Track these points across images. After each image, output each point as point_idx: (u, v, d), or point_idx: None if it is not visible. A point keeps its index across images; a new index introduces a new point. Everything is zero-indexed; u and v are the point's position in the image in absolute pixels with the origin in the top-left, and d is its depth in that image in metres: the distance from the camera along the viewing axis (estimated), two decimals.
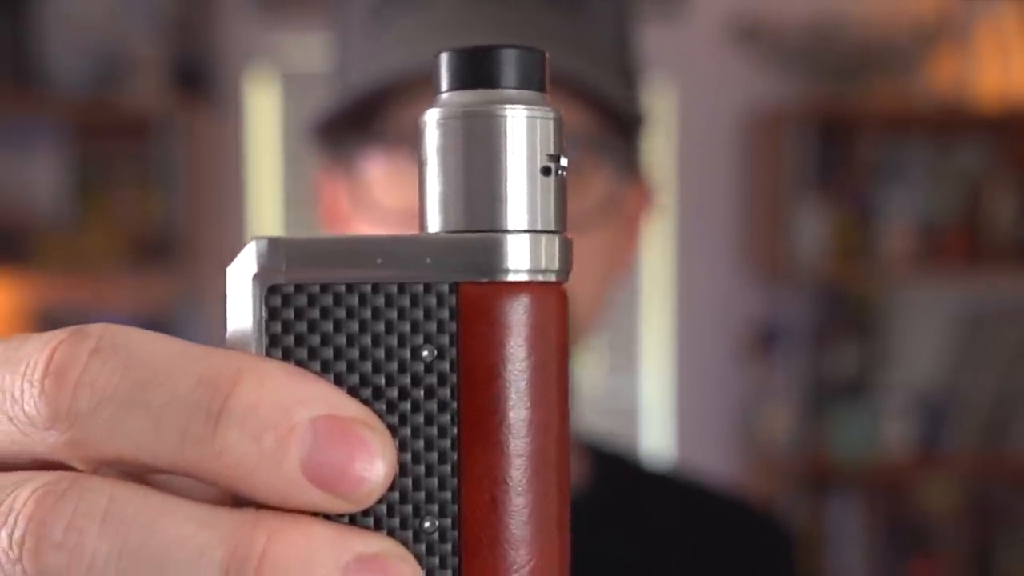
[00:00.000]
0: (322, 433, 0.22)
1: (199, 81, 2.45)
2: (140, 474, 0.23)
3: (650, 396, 2.63)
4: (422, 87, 0.63)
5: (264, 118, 2.53)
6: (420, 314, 0.24)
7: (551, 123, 0.25)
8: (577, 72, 0.65)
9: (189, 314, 2.37)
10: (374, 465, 0.22)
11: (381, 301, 0.24)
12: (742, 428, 2.58)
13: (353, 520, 0.23)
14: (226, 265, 0.24)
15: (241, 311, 0.24)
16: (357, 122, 0.68)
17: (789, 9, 2.51)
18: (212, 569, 0.22)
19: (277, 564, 0.22)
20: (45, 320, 2.45)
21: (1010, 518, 2.55)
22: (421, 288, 0.24)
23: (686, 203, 2.55)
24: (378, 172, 0.67)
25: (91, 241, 2.37)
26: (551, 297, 0.24)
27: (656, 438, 2.61)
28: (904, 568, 2.52)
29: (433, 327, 0.24)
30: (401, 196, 0.65)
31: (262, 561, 0.22)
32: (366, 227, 0.68)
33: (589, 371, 2.49)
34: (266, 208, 2.53)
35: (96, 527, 0.22)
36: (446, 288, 0.24)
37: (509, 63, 0.24)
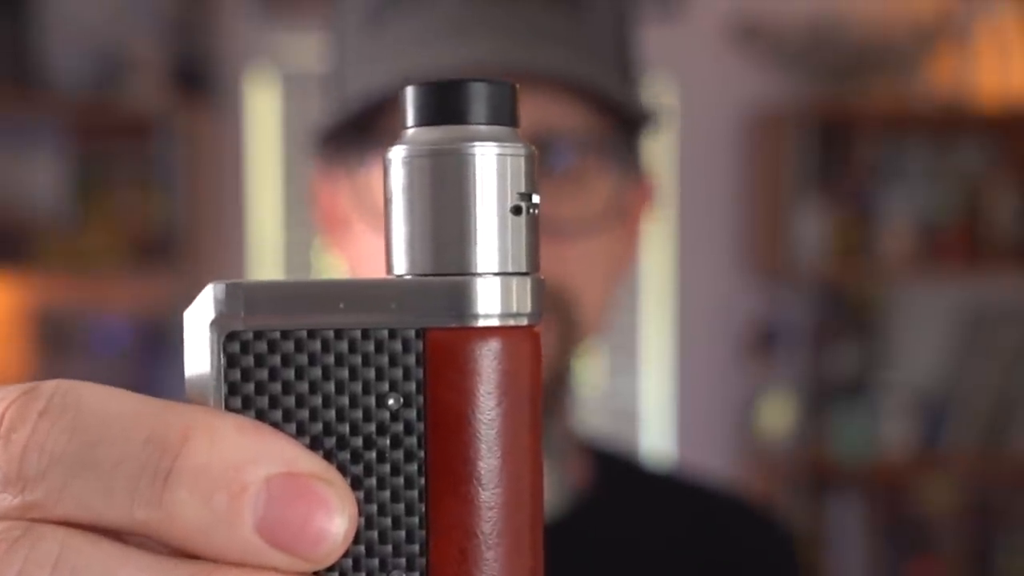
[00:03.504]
0: (276, 492, 0.21)
1: (199, 81, 2.45)
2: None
3: (650, 396, 2.63)
4: None
5: (264, 118, 2.53)
6: (385, 360, 0.23)
7: (522, 160, 0.24)
8: (580, 73, 0.65)
9: None
10: (333, 522, 0.22)
11: (344, 347, 0.23)
12: (742, 428, 2.58)
13: (317, 574, 0.22)
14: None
15: (199, 358, 0.23)
16: (356, 126, 0.67)
17: (789, 9, 2.51)
18: None
19: None
20: (45, 320, 2.45)
21: (1010, 518, 2.55)
22: (386, 333, 0.23)
23: (686, 203, 2.55)
24: (377, 176, 0.67)
25: (91, 241, 2.37)
26: (523, 341, 0.23)
27: (656, 438, 2.61)
28: (904, 568, 2.52)
29: (399, 374, 0.23)
30: None
31: None
32: (367, 229, 0.68)
33: (589, 371, 2.49)
34: (266, 208, 2.53)
35: (46, 575, 0.21)
36: (412, 333, 0.23)
37: (478, 97, 0.24)
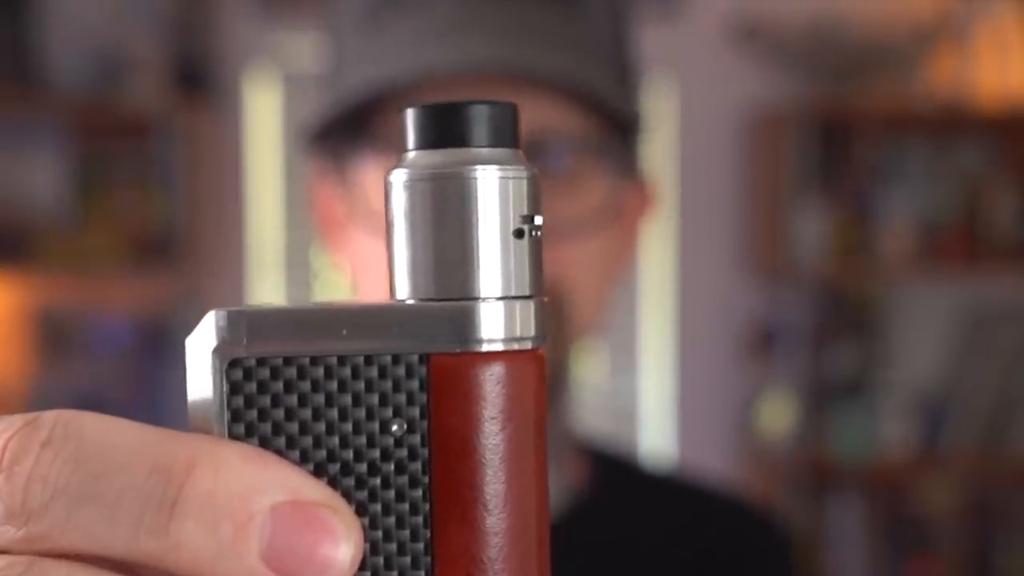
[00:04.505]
0: (282, 520, 0.21)
1: (199, 81, 2.45)
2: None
3: (650, 396, 2.63)
4: (419, 91, 0.63)
5: (264, 118, 2.53)
6: (389, 386, 0.23)
7: (524, 182, 0.24)
8: (576, 74, 0.65)
9: (189, 314, 2.36)
10: (339, 550, 0.22)
11: (348, 373, 0.23)
12: (742, 428, 2.58)
13: None
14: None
15: (202, 385, 0.23)
16: (352, 127, 0.67)
17: (789, 9, 2.51)
18: None
19: None
20: (45, 320, 2.45)
21: (1010, 518, 2.55)
22: (389, 359, 0.23)
23: (686, 203, 2.55)
24: (373, 178, 0.67)
25: (91, 241, 2.37)
26: (526, 365, 0.23)
27: (656, 438, 2.61)
28: (904, 568, 2.52)
29: (403, 399, 0.23)
30: None
31: None
32: (361, 233, 0.68)
33: (589, 371, 2.49)
34: (266, 208, 2.53)
35: None
36: (416, 359, 0.23)
37: (479, 120, 0.23)
